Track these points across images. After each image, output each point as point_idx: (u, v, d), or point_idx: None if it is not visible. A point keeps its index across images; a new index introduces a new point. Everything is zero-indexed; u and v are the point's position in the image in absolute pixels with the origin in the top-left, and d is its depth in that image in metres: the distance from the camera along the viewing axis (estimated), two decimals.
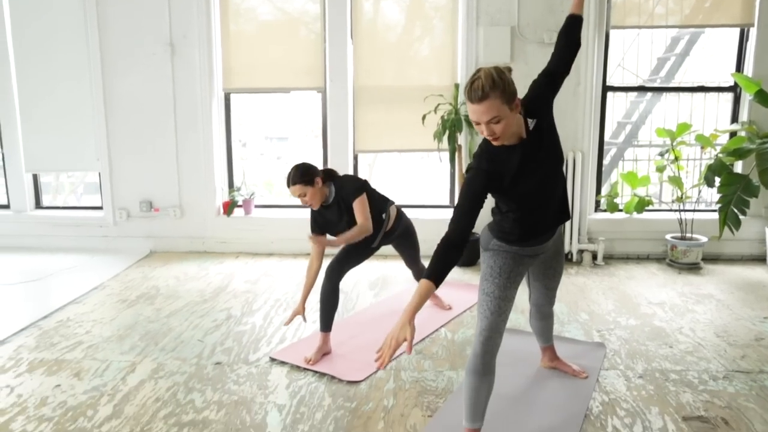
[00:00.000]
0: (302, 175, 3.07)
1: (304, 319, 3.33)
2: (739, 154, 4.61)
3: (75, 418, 2.63)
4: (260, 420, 2.61)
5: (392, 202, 3.47)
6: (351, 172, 5.43)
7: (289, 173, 3.09)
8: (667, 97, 6.20)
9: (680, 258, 4.94)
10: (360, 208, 3.17)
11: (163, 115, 5.40)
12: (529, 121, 2.13)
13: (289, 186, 3.09)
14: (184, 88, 5.36)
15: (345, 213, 3.19)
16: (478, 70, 1.96)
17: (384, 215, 3.37)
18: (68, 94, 5.48)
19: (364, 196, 3.19)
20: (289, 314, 3.39)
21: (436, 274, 1.95)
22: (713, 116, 5.65)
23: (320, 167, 3.22)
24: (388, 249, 3.56)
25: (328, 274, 3.24)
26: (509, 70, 2.02)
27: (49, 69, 5.45)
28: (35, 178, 5.86)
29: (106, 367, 3.15)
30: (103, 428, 2.55)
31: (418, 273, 3.71)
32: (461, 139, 5.06)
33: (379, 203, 3.35)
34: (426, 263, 1.96)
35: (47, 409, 2.71)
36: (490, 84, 1.90)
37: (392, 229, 3.44)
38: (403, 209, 3.61)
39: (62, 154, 5.62)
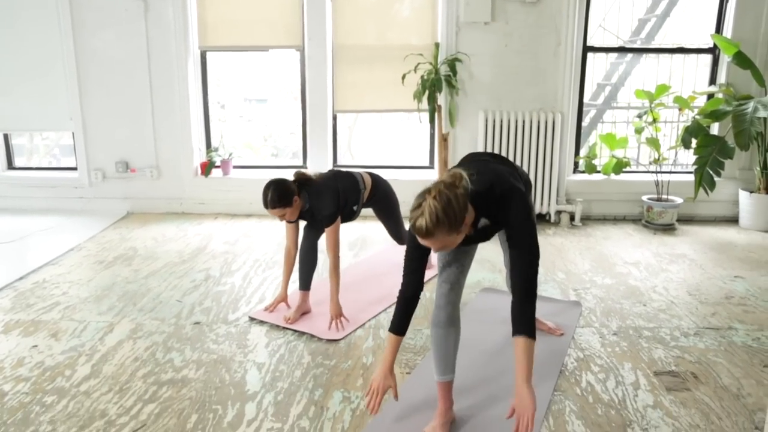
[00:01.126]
0: (280, 199, 2.96)
1: (288, 305, 3.32)
2: (715, 116, 4.65)
3: (53, 378, 2.62)
4: (240, 378, 2.63)
5: (363, 175, 3.40)
6: (330, 134, 5.37)
7: (266, 195, 2.96)
8: (646, 58, 6.19)
9: (656, 219, 5.01)
10: (331, 236, 3.08)
11: (138, 74, 5.27)
12: (482, 220, 2.05)
13: (267, 208, 2.98)
14: (158, 46, 5.22)
15: (318, 219, 3.16)
16: (423, 200, 1.81)
17: (357, 205, 3.31)
18: (37, 51, 5.31)
19: (336, 224, 3.09)
20: (269, 301, 3.32)
21: (401, 326, 2.13)
22: (692, 79, 5.67)
23: (294, 175, 3.12)
24: (367, 210, 3.54)
25: (306, 233, 3.26)
26: (461, 178, 1.87)
27: (15, 25, 5.26)
28: (6, 138, 5.71)
29: (84, 328, 3.13)
30: (81, 387, 2.55)
31: (400, 240, 3.71)
32: (441, 99, 5.02)
33: (354, 194, 3.27)
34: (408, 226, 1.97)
35: (24, 369, 2.70)
36: (434, 224, 1.79)
37: (370, 198, 3.42)
38: (383, 170, 3.59)
39: (33, 113, 5.47)
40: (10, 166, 5.76)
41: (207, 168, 5.44)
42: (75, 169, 5.60)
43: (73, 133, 5.48)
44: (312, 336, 3.03)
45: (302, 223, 3.31)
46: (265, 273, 3.94)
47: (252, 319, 3.24)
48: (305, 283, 3.26)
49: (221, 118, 7.76)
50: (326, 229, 3.10)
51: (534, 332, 1.97)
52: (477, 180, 1.95)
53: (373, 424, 2.26)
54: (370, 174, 3.48)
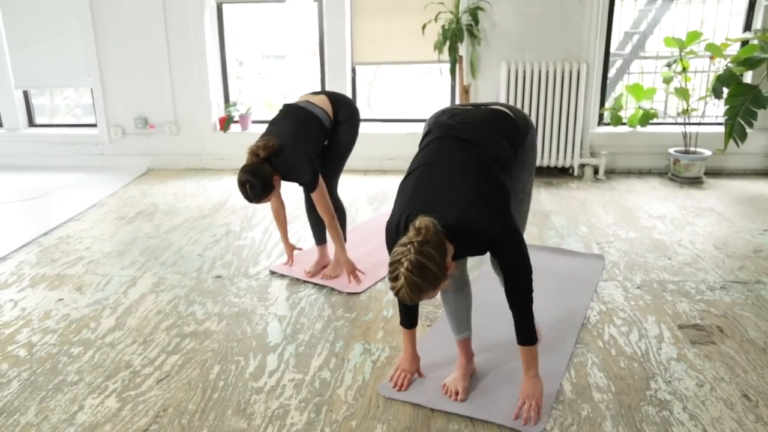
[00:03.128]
0: (263, 190, 2.71)
1: (300, 249, 3.34)
2: (750, 63, 4.46)
3: (79, 330, 2.67)
4: (261, 330, 2.65)
5: (321, 106, 2.98)
6: (349, 87, 5.28)
7: (246, 193, 2.71)
8: (677, 5, 5.94)
9: (682, 172, 4.89)
10: (318, 200, 2.87)
11: (154, 28, 5.20)
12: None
13: (251, 202, 2.78)
14: None
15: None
16: (396, 270, 1.71)
17: (326, 126, 2.98)
18: (53, 7, 5.26)
19: (320, 187, 2.84)
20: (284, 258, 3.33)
21: (409, 322, 2.18)
22: (725, 26, 5.43)
23: (259, 147, 2.76)
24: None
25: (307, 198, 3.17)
26: (429, 230, 1.72)
27: None
28: (26, 96, 5.72)
29: (108, 282, 3.17)
30: (106, 339, 2.59)
31: (313, 186, 2.89)
32: (462, 49, 4.89)
33: (323, 136, 2.96)
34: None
35: (51, 322, 2.75)
36: (417, 292, 1.72)
37: (335, 119, 3.02)
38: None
39: (51, 70, 5.46)
40: (31, 123, 5.78)
41: (226, 123, 5.41)
42: (95, 125, 5.60)
43: (91, 90, 5.47)
44: (332, 289, 3.03)
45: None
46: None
47: (272, 272, 3.25)
48: (319, 238, 3.25)
49: (239, 75, 7.67)
50: (312, 195, 2.89)
51: (536, 337, 2.00)
52: (447, 216, 1.82)
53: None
54: (329, 96, 3.06)
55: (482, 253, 1.92)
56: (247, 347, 2.51)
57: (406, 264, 1.70)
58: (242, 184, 2.71)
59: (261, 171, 2.71)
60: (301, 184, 2.87)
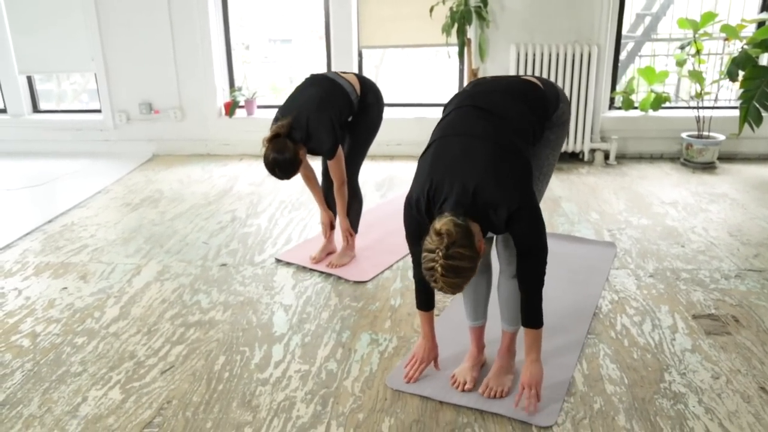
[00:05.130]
0: (290, 168, 2.70)
1: (333, 225, 3.17)
2: (766, 45, 4.35)
3: (83, 320, 2.64)
4: (267, 320, 2.61)
5: (350, 81, 2.95)
6: (356, 70, 5.20)
7: (275, 173, 2.70)
8: None
9: (695, 157, 4.80)
10: (335, 168, 2.87)
11: (158, 12, 5.13)
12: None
13: (283, 180, 2.77)
14: None
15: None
16: (433, 275, 1.68)
17: (354, 102, 2.94)
18: None
19: (339, 155, 2.85)
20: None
21: (427, 304, 2.10)
22: (740, 6, 5.30)
23: (275, 126, 2.74)
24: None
25: (324, 173, 3.13)
26: (458, 231, 1.66)
27: None
28: (30, 81, 5.67)
29: (112, 270, 3.14)
30: (110, 329, 2.56)
31: (341, 176, 2.96)
32: (470, 32, 4.79)
33: (347, 109, 2.92)
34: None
35: (55, 311, 2.72)
36: (458, 286, 1.70)
37: (362, 99, 2.98)
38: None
39: (55, 55, 5.41)
40: (36, 109, 5.74)
41: (231, 108, 5.34)
42: (99, 111, 5.55)
43: (95, 75, 5.41)
44: (339, 278, 2.99)
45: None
46: (291, 214, 3.89)
47: (278, 260, 3.21)
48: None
49: (245, 60, 7.59)
50: (329, 162, 2.88)
51: (542, 321, 1.94)
52: (465, 192, 1.77)
53: (402, 368, 2.22)
54: (358, 76, 3.04)
55: (502, 230, 1.84)
56: (252, 337, 2.47)
57: (440, 270, 1.67)
58: (271, 167, 2.68)
59: (286, 148, 2.68)
60: (321, 153, 2.84)
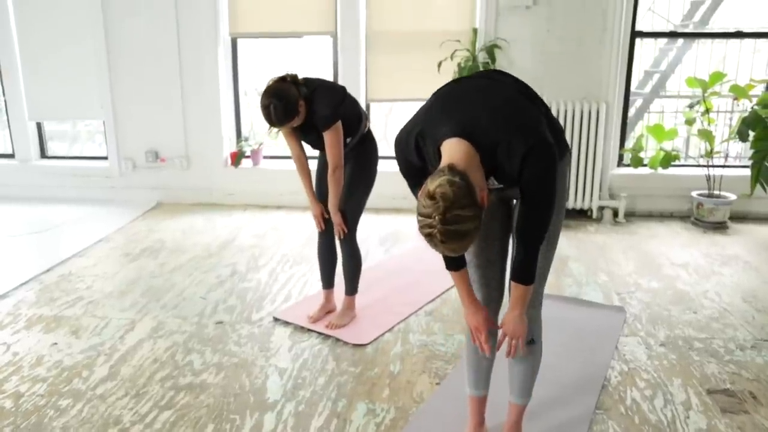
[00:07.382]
0: (286, 113, 2.58)
1: (326, 214, 2.95)
2: None
3: (70, 379, 2.54)
4: (260, 384, 2.50)
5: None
6: None
7: (269, 112, 2.57)
8: (699, 44, 5.82)
9: (706, 216, 4.71)
10: (331, 141, 2.69)
11: (168, 61, 5.18)
12: (490, 180, 1.74)
13: (272, 126, 2.66)
14: (188, 33, 5.11)
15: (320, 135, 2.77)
16: (432, 241, 1.53)
17: (351, 138, 2.83)
18: (69, 39, 5.26)
19: (337, 130, 2.69)
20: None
21: (455, 263, 1.84)
22: (749, 65, 5.30)
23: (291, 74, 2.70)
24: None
25: (325, 230, 3.01)
26: (454, 191, 1.49)
27: (49, 13, 5.22)
28: (39, 127, 5.70)
29: (105, 325, 3.05)
30: (97, 390, 2.46)
31: (343, 226, 2.90)
32: None
33: (356, 122, 2.83)
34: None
35: (42, 369, 2.62)
36: (461, 249, 1.57)
37: (360, 141, 2.89)
38: None
39: (65, 101, 5.45)
40: (43, 155, 5.76)
41: (237, 158, 5.33)
42: (106, 158, 5.56)
43: (104, 122, 5.44)
44: (338, 340, 2.89)
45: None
46: (293, 269, 3.81)
47: (276, 319, 3.11)
48: (328, 281, 3.11)
49: (252, 104, 7.63)
50: (326, 137, 2.69)
51: (534, 278, 1.77)
52: (470, 125, 1.63)
53: None
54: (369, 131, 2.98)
55: (510, 175, 1.67)
56: (244, 403, 2.36)
57: (439, 237, 1.51)
58: (266, 100, 2.57)
59: (286, 91, 2.59)
60: (318, 119, 2.68)
